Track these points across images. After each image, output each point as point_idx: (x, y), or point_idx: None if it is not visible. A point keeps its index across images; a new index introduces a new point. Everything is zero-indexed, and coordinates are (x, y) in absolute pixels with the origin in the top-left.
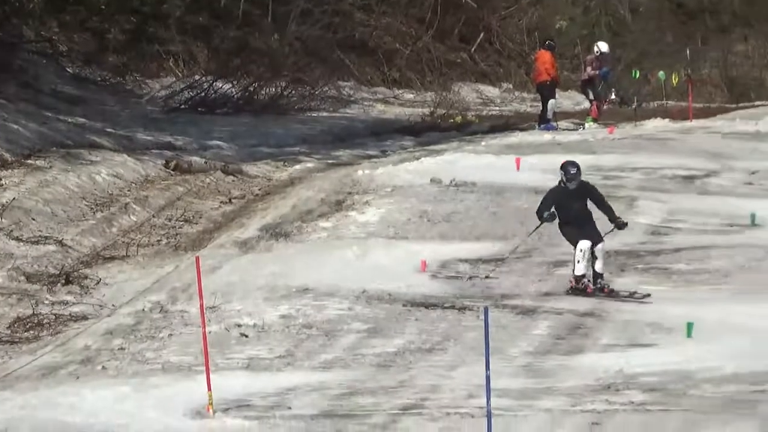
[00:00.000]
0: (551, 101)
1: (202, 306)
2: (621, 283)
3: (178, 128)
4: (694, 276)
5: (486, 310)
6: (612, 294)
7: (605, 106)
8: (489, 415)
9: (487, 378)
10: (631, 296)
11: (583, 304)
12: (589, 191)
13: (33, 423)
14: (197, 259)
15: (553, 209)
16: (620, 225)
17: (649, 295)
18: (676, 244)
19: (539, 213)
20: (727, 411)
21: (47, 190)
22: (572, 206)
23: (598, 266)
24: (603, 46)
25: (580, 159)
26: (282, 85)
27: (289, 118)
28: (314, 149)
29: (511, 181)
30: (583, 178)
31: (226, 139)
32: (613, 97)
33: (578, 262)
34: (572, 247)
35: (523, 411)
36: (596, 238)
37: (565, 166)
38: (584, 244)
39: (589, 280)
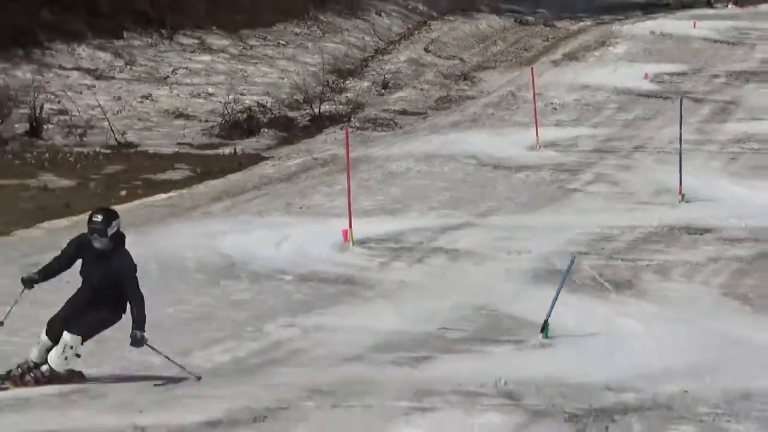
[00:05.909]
0: None
1: (534, 94)
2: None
3: (520, 3)
4: None
5: (681, 99)
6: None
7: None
8: (680, 154)
9: (680, 133)
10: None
11: (725, 98)
12: (122, 267)
13: (444, 147)
14: (531, 69)
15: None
16: (133, 339)
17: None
18: None
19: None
20: None
21: (454, 32)
22: (92, 272)
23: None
24: None
25: (727, 23)
26: None
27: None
28: (591, 15)
29: (691, 34)
30: (728, 32)
31: (545, 8)
32: None
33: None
34: None
35: (695, 151)
36: (82, 330)
37: (91, 213)
38: (73, 340)
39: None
